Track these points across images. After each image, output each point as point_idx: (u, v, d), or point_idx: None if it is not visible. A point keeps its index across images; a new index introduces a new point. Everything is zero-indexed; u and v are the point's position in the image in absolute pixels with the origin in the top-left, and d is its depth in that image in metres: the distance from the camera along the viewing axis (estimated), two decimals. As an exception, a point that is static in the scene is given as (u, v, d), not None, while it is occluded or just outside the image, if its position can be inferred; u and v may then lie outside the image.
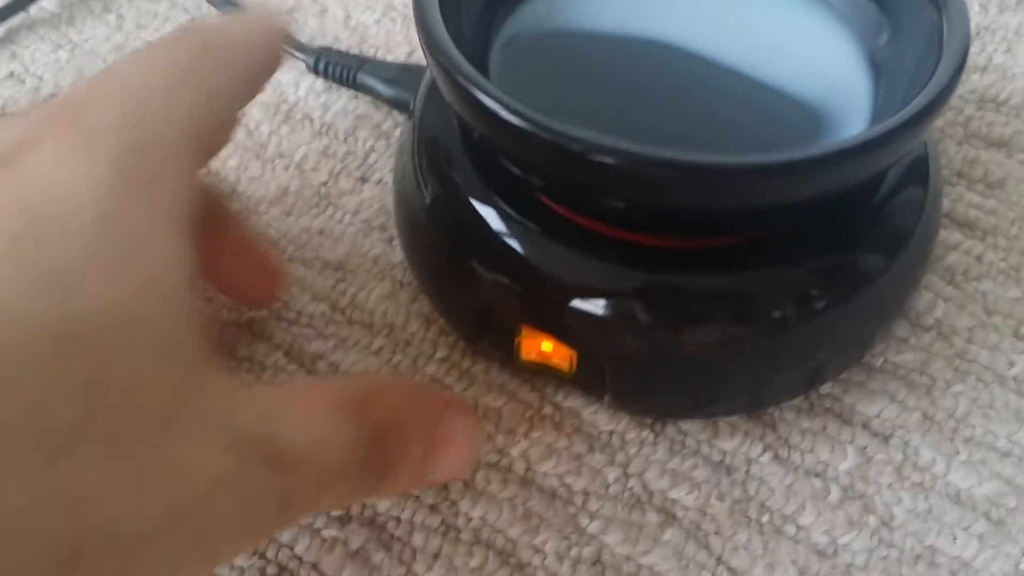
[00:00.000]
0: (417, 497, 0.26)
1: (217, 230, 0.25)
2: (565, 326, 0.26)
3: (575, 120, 0.26)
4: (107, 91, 0.20)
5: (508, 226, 0.27)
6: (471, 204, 0.27)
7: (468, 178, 0.28)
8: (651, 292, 0.26)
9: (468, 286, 0.28)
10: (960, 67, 0.24)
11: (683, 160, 0.22)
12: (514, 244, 0.26)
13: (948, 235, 0.32)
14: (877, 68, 0.28)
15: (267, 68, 0.24)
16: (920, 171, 0.28)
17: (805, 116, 0.27)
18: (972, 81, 0.36)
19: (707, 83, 0.28)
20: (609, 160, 0.22)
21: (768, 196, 0.23)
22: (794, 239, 0.26)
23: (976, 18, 0.38)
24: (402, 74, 0.34)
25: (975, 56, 0.37)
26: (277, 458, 0.19)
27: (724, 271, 0.26)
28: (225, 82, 0.22)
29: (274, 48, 0.25)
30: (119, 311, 0.18)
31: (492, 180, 0.27)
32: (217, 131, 0.24)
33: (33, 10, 0.40)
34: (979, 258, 0.31)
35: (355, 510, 0.26)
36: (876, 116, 0.27)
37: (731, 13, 0.29)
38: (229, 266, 0.27)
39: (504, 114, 0.23)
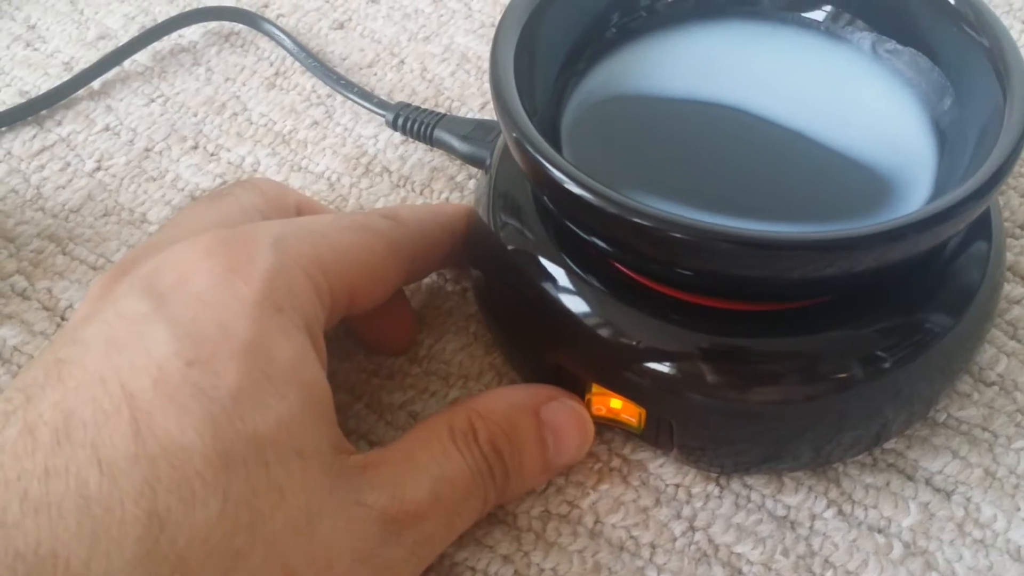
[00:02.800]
0: (491, 547, 0.28)
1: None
2: (634, 385, 0.27)
3: (642, 186, 0.27)
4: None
5: (578, 286, 0.28)
6: (542, 262, 0.28)
7: (540, 237, 0.29)
8: (719, 354, 0.27)
9: (539, 343, 0.29)
10: (1020, 146, 0.25)
11: (746, 235, 0.23)
12: (583, 304, 0.28)
13: (1012, 289, 0.32)
14: (941, 133, 0.29)
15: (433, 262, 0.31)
16: (983, 227, 0.29)
17: (870, 181, 0.28)
18: (1038, 131, 0.36)
19: (773, 147, 0.29)
20: (675, 234, 0.23)
21: (831, 269, 0.24)
22: (860, 300, 0.27)
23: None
24: (476, 130, 0.36)
25: (1042, 105, 0.37)
26: (408, 515, 0.23)
27: (790, 333, 0.27)
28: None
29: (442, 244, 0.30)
30: (276, 428, 0.21)
31: (563, 240, 0.28)
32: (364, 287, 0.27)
33: (127, 64, 0.42)
34: (1043, 313, 0.32)
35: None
36: (939, 182, 0.27)
37: (798, 76, 0.30)
38: (370, 321, 0.30)
39: (571, 186, 0.24)
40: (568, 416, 0.27)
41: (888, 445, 0.29)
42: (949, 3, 0.28)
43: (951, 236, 0.27)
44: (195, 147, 0.39)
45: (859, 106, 0.30)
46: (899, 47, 0.30)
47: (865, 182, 0.28)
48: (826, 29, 0.31)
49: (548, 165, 0.25)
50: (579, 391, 0.28)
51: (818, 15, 0.31)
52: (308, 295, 0.24)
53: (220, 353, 0.21)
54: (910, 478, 0.29)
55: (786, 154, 0.29)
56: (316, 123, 0.39)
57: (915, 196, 0.27)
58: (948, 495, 0.28)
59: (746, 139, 0.29)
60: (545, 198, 0.27)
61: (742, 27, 0.32)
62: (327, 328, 0.25)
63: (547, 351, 0.29)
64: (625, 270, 0.28)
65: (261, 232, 0.24)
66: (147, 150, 0.39)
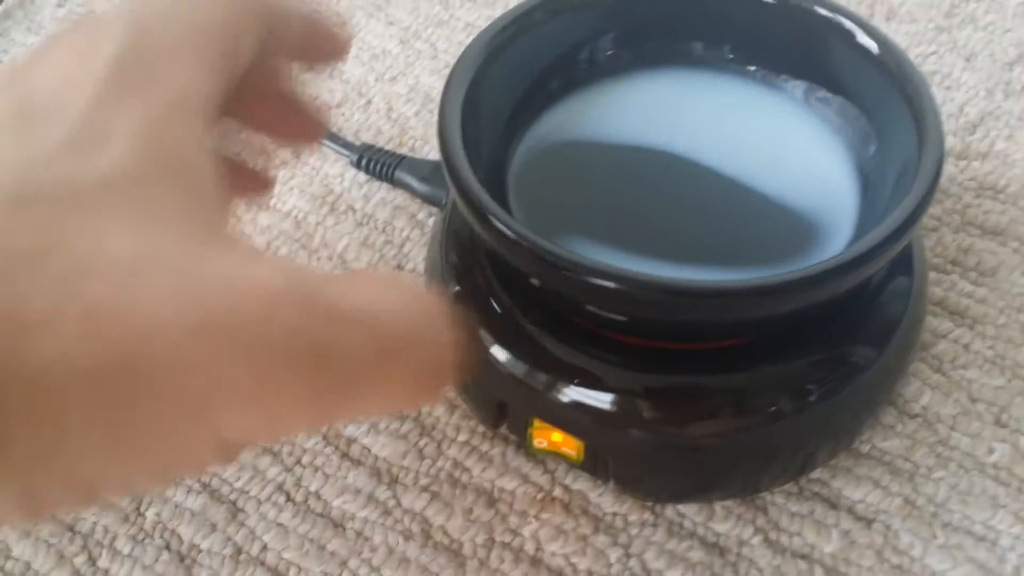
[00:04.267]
0: (437, 574, 0.29)
1: (258, 82, 0.24)
2: (572, 421, 0.29)
3: (582, 231, 0.29)
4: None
5: (520, 326, 0.29)
6: (489, 302, 0.30)
7: (487, 278, 0.31)
8: (654, 391, 0.29)
9: (484, 379, 0.31)
10: (930, 191, 0.26)
11: (671, 284, 0.25)
12: (525, 343, 0.29)
13: (939, 323, 0.34)
14: (865, 178, 0.30)
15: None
16: (905, 263, 0.31)
17: (798, 226, 0.29)
18: (972, 168, 0.38)
19: (709, 193, 0.30)
20: (606, 284, 0.25)
21: (747, 313, 0.26)
22: (789, 336, 0.29)
23: (981, 104, 0.40)
24: (435, 172, 0.38)
25: (977, 143, 0.39)
26: (331, 307, 0.18)
27: (722, 371, 0.29)
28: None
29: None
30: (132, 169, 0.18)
31: (507, 282, 0.30)
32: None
33: None
34: (967, 346, 0.33)
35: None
36: (860, 226, 0.29)
37: (734, 124, 0.32)
38: (270, 112, 0.26)
39: (507, 233, 0.26)
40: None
41: (814, 475, 0.31)
42: (873, 53, 0.30)
43: (868, 277, 0.28)
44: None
45: (790, 152, 0.31)
46: (829, 95, 0.32)
47: (794, 226, 0.30)
48: (762, 78, 0.33)
49: (488, 215, 0.26)
50: (522, 424, 0.30)
51: (753, 64, 0.33)
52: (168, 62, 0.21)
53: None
54: (833, 506, 0.30)
55: (721, 200, 0.30)
56: (285, 163, 0.41)
57: (838, 240, 0.29)
58: (869, 523, 0.30)
59: (683, 185, 0.31)
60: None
61: (681, 76, 0.33)
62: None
63: (491, 387, 0.30)
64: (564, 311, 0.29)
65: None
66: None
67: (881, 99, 0.30)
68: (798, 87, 0.32)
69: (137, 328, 0.16)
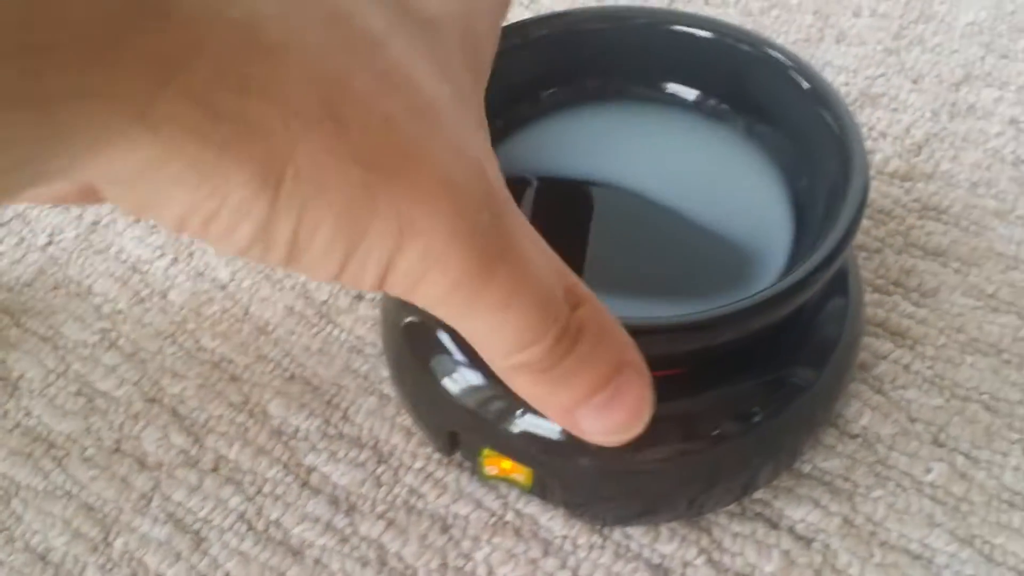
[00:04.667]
0: (391, 599, 0.30)
1: None
2: (522, 450, 0.30)
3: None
4: None
5: (469, 358, 0.30)
6: (437, 335, 0.31)
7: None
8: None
9: (436, 408, 0.32)
10: (853, 229, 0.27)
11: None
12: (474, 375, 0.30)
13: (880, 344, 0.35)
14: (799, 209, 0.31)
15: None
16: (841, 285, 0.32)
17: (735, 257, 0.31)
18: (917, 190, 0.39)
19: (651, 225, 0.31)
20: None
21: (670, 348, 0.27)
22: (729, 362, 0.30)
23: (927, 125, 0.41)
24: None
25: (922, 164, 0.40)
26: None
27: (666, 399, 0.30)
28: None
29: None
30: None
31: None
32: None
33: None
34: (907, 367, 0.34)
35: (337, 612, 0.30)
36: (793, 257, 0.30)
37: (676, 157, 0.33)
38: None
39: None
40: (636, 399, 0.22)
41: (757, 495, 0.32)
42: (803, 86, 0.31)
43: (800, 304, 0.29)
44: (138, 220, 0.41)
45: (730, 185, 0.32)
46: (767, 129, 0.33)
47: (731, 258, 0.31)
48: (706, 110, 0.34)
49: None
50: (473, 452, 0.31)
51: (695, 98, 0.34)
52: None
53: None
54: (775, 526, 0.31)
55: (660, 232, 0.31)
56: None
57: (773, 271, 0.30)
58: (808, 542, 0.31)
59: (625, 219, 0.32)
60: None
61: (623, 112, 0.34)
62: None
63: (443, 418, 0.31)
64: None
65: None
66: (94, 224, 0.42)
67: (812, 131, 0.31)
68: (739, 120, 0.33)
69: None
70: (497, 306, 0.19)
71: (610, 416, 0.22)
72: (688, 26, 0.33)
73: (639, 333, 0.26)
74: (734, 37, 0.32)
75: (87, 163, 0.16)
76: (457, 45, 0.21)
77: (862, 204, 0.28)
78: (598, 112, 0.34)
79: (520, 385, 0.21)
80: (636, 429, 0.22)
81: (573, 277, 0.21)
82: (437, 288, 0.19)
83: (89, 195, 0.19)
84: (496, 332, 0.20)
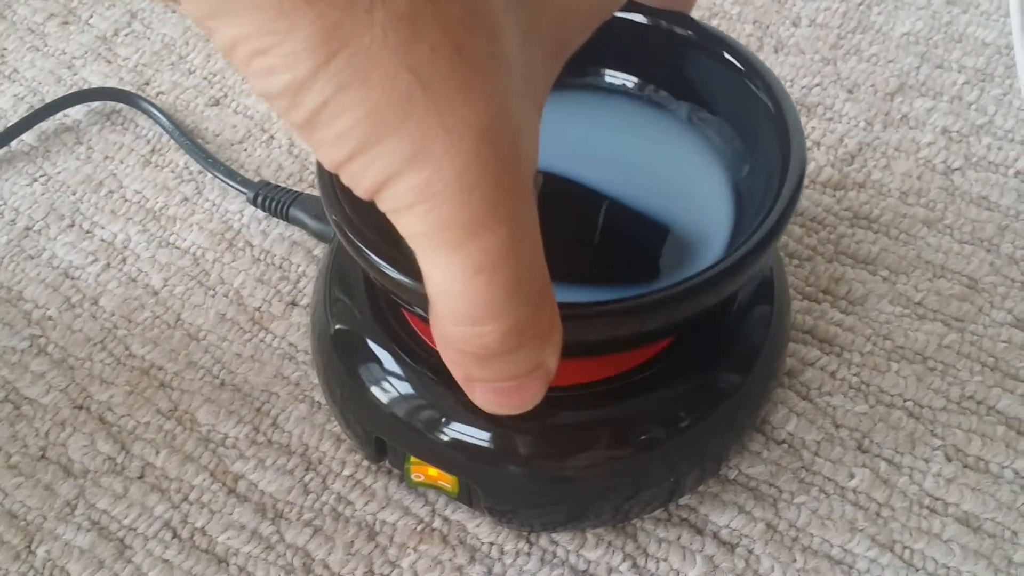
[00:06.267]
0: (314, 607, 0.30)
1: None
2: (448, 459, 0.30)
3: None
4: None
5: (396, 366, 0.30)
6: (366, 342, 0.31)
7: (366, 316, 0.32)
8: (525, 430, 0.30)
9: (364, 416, 0.32)
10: (781, 226, 0.27)
11: None
12: (400, 383, 0.30)
13: (807, 351, 0.35)
14: (740, 197, 0.31)
15: None
16: (766, 292, 0.32)
17: (676, 245, 0.30)
18: (849, 199, 0.39)
19: (589, 212, 0.31)
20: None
21: (613, 330, 0.26)
22: (658, 367, 0.30)
23: (860, 135, 0.42)
24: (327, 208, 0.39)
25: (855, 173, 0.40)
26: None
27: (594, 405, 0.30)
28: None
29: None
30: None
31: (386, 322, 0.31)
32: None
33: (14, 144, 0.44)
34: (833, 374, 0.35)
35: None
36: (731, 245, 0.30)
37: (619, 144, 0.32)
38: None
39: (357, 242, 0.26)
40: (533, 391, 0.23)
41: (683, 501, 0.32)
42: (743, 74, 0.30)
43: (724, 302, 0.29)
44: (71, 225, 0.41)
45: (672, 172, 0.32)
46: (709, 116, 0.33)
47: (671, 245, 0.30)
48: (648, 98, 0.34)
49: (347, 231, 0.27)
50: (400, 459, 0.31)
51: (636, 85, 0.34)
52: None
53: None
54: (699, 532, 0.32)
55: (601, 219, 0.31)
56: (186, 199, 0.42)
57: (711, 258, 0.30)
58: (732, 548, 0.31)
59: (566, 206, 0.31)
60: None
61: (565, 98, 0.34)
62: None
63: (370, 425, 0.31)
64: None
65: None
66: (27, 229, 0.41)
67: (753, 120, 0.31)
68: (682, 107, 0.33)
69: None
70: (470, 268, 0.19)
71: (503, 400, 0.23)
72: (624, 11, 0.33)
73: (576, 319, 0.26)
74: (670, 21, 0.32)
75: None
76: (551, 19, 0.21)
77: (799, 186, 0.27)
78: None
79: (447, 349, 0.22)
80: (516, 412, 0.23)
81: (548, 283, 0.21)
82: (421, 223, 0.19)
83: None
84: (457, 295, 0.20)
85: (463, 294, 0.20)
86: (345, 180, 0.19)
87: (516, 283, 0.20)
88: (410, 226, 0.19)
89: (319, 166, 0.29)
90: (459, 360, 0.22)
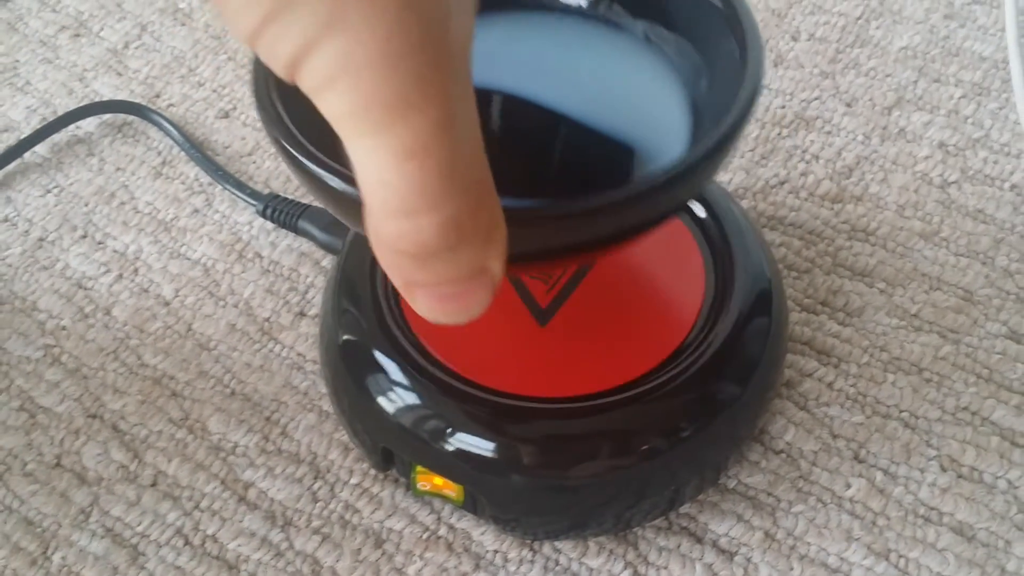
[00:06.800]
0: (323, 613, 0.31)
1: None
2: (454, 468, 0.31)
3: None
4: None
5: (403, 377, 0.31)
6: (373, 353, 0.32)
7: (373, 327, 0.32)
8: (529, 440, 0.30)
9: (371, 426, 0.32)
10: (734, 133, 0.26)
11: None
12: (407, 394, 0.31)
13: (805, 363, 0.36)
14: (698, 113, 0.31)
15: None
16: (765, 305, 0.32)
17: (632, 160, 0.29)
18: (846, 212, 0.40)
19: (546, 130, 0.30)
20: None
21: (565, 236, 0.25)
22: (657, 380, 0.30)
23: (858, 148, 0.42)
24: (336, 221, 0.39)
25: (852, 186, 0.41)
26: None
27: (596, 415, 0.31)
28: None
29: None
30: None
31: (393, 333, 0.32)
32: None
33: (27, 155, 0.45)
34: (830, 385, 0.35)
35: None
36: None
37: (575, 63, 0.31)
38: None
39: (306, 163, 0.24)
40: (477, 301, 0.21)
41: (683, 510, 0.33)
42: None
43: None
44: (84, 236, 0.42)
45: (628, 90, 0.30)
46: (666, 33, 0.32)
47: (626, 160, 0.29)
48: (603, 16, 0.33)
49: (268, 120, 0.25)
50: (406, 468, 0.32)
51: (590, 3, 0.32)
52: None
53: None
54: (699, 540, 0.32)
55: (559, 137, 0.30)
56: (196, 211, 0.42)
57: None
58: (731, 556, 0.32)
59: (520, 126, 0.30)
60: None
61: (522, 18, 0.33)
62: None
63: (375, 434, 0.32)
64: (445, 362, 0.31)
65: None
66: (41, 240, 0.42)
67: (711, 35, 0.30)
68: (638, 25, 0.32)
69: None
70: (400, 153, 0.18)
71: (444, 307, 0.21)
72: None
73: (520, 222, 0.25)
74: None
75: None
76: None
77: (748, 109, 0.26)
78: (488, 22, 0.33)
79: (384, 251, 0.20)
80: (460, 323, 0.22)
81: (489, 176, 0.20)
82: (343, 101, 0.17)
83: None
84: (387, 185, 0.18)
85: (394, 183, 0.18)
86: (264, 57, 0.18)
87: (451, 169, 0.18)
88: (333, 106, 0.18)
89: (255, 78, 0.27)
90: (397, 262, 0.20)
